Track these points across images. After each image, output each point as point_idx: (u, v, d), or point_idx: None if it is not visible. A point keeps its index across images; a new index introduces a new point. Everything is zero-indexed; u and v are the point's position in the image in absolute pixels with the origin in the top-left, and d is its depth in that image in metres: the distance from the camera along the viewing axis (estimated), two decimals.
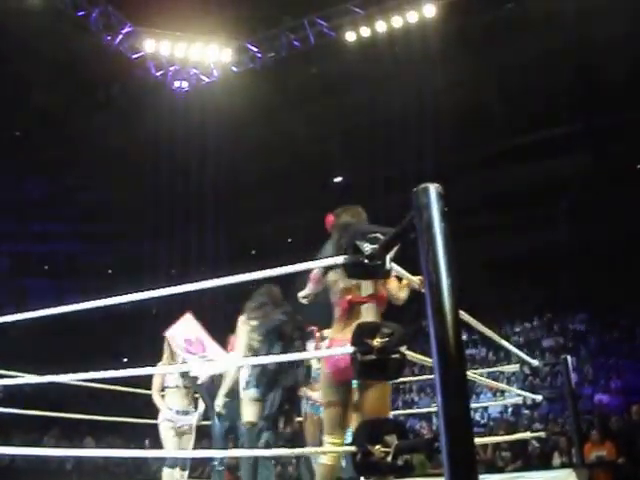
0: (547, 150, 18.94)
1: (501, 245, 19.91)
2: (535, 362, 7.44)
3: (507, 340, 6.53)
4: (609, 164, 18.83)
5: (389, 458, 2.68)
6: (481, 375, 7.24)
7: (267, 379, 5.27)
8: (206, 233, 20.94)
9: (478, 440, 8.19)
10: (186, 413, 7.10)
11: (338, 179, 21.61)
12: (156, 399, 7.10)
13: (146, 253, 20.10)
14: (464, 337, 4.71)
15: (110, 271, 21.32)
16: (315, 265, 3.50)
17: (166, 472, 7.00)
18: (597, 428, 11.58)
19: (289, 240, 22.11)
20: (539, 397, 7.36)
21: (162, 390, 7.16)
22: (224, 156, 19.93)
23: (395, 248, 2.98)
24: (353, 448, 2.81)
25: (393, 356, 2.86)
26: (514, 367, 7.36)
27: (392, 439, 2.70)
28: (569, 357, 7.78)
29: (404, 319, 2.96)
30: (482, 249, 18.95)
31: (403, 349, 2.88)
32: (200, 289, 3.43)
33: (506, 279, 19.44)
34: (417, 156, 18.66)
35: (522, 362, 7.31)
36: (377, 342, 2.80)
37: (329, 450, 3.73)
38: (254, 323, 5.41)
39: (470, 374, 5.76)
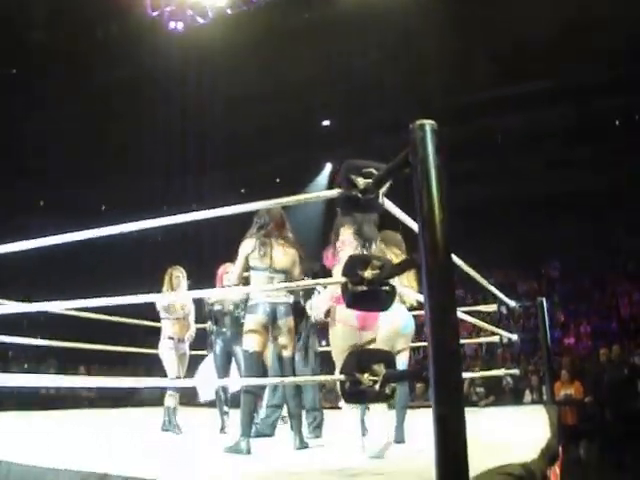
0: (529, 102, 18.93)
1: (478, 192, 20.03)
2: (512, 303, 7.59)
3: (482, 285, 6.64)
4: (587, 118, 18.89)
5: (377, 386, 2.76)
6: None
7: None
8: (198, 172, 20.80)
9: None
10: (183, 341, 7.30)
11: (326, 122, 21.42)
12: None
13: (140, 191, 19.93)
14: None
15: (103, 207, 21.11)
16: (308, 197, 3.52)
17: (169, 394, 7.18)
18: (566, 369, 11.91)
19: (277, 180, 22.03)
20: (514, 336, 7.52)
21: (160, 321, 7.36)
22: (216, 97, 19.73)
23: (388, 183, 3.02)
24: (342, 377, 2.90)
25: (383, 288, 2.91)
26: (492, 307, 7.51)
27: (380, 368, 2.78)
28: (544, 299, 7.97)
29: None
30: (459, 196, 19.07)
31: (393, 281, 2.94)
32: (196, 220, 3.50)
33: (482, 226, 19.62)
34: (406, 101, 18.52)
35: (500, 302, 7.44)
36: (368, 274, 2.85)
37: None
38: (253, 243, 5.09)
39: None
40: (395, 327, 5.02)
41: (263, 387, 5.80)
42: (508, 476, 3.03)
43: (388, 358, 2.86)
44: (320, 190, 17.86)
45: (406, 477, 3.00)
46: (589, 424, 11.47)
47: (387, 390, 2.78)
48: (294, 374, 5.24)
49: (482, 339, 8.04)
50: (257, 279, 4.98)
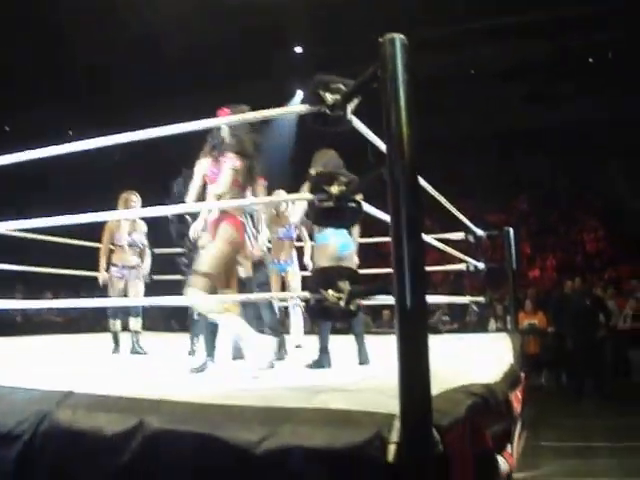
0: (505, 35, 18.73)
1: (454, 124, 19.97)
2: (480, 232, 7.63)
3: (452, 214, 6.65)
4: (564, 54, 18.76)
5: (342, 303, 2.76)
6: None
7: None
8: (166, 96, 20.32)
9: None
10: (132, 267, 7.24)
11: (299, 49, 21.00)
12: (102, 256, 7.22)
13: (109, 114, 19.48)
14: None
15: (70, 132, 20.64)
16: (272, 114, 3.46)
17: (110, 322, 7.19)
18: (531, 299, 12.10)
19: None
20: (481, 265, 7.58)
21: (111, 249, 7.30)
22: (186, 21, 19.18)
23: (356, 100, 2.97)
24: (307, 294, 2.89)
25: (350, 204, 2.89)
26: (459, 235, 7.53)
27: (345, 285, 2.78)
28: (511, 229, 8.01)
29: (363, 169, 2.97)
30: (430, 126, 18.96)
31: (360, 198, 2.91)
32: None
33: (452, 157, 19.64)
34: (381, 29, 18.13)
35: (467, 231, 7.46)
36: (335, 190, 2.82)
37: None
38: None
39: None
40: (331, 250, 4.98)
41: None
42: (470, 395, 3.06)
43: (353, 275, 2.85)
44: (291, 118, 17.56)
45: (368, 393, 3.02)
46: (551, 354, 11.72)
47: (352, 307, 2.78)
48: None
49: (449, 266, 8.04)
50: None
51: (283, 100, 18.87)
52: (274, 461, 2.43)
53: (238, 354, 5.15)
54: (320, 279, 2.84)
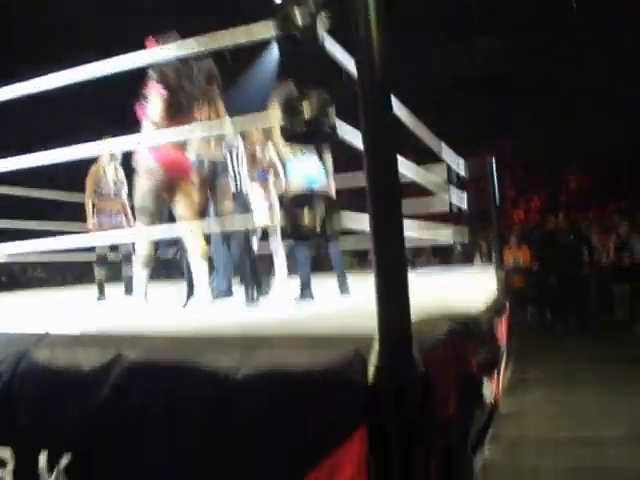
0: None
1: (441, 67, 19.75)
2: (462, 172, 7.55)
3: (432, 154, 6.57)
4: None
5: (317, 225, 2.71)
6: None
7: None
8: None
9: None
10: (115, 215, 7.16)
11: None
12: (88, 204, 7.11)
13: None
14: None
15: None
16: (237, 36, 3.35)
17: (96, 271, 7.13)
18: (515, 235, 12.12)
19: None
20: (464, 199, 7.52)
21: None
22: None
23: (328, 22, 2.88)
24: (282, 219, 2.84)
25: (323, 128, 2.82)
26: (441, 167, 7.43)
27: (320, 207, 2.73)
28: (493, 159, 7.92)
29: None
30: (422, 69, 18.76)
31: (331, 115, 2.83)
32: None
33: (441, 100, 19.46)
34: None
35: (449, 169, 7.37)
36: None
37: None
38: None
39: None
40: (300, 184, 4.92)
41: None
42: (452, 319, 3.04)
43: (328, 198, 2.80)
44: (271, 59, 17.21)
45: (347, 319, 2.99)
46: (535, 289, 11.77)
47: (328, 229, 2.74)
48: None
49: (429, 199, 7.92)
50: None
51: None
52: (253, 386, 2.40)
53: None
54: (295, 203, 2.80)
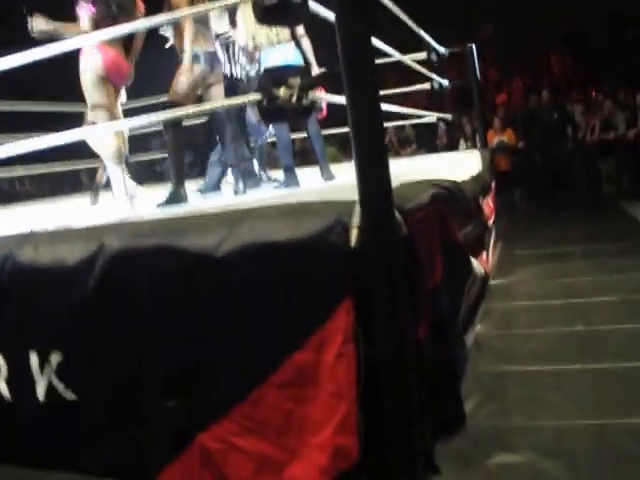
0: None
1: None
2: (442, 49, 7.41)
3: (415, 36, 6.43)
4: None
5: (294, 99, 2.64)
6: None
7: None
8: None
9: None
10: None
11: None
12: None
13: None
14: None
15: None
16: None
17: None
18: (499, 117, 11.98)
19: None
20: (446, 82, 7.42)
21: None
22: None
23: None
24: (258, 95, 2.76)
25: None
26: (421, 55, 7.30)
27: (295, 80, 2.64)
28: (474, 46, 7.79)
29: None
30: None
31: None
32: None
33: None
34: None
35: (430, 49, 7.24)
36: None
37: None
38: None
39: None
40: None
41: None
42: (435, 185, 3.01)
43: (302, 69, 2.71)
44: None
45: (329, 191, 2.95)
46: (522, 170, 11.69)
47: (305, 102, 2.66)
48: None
49: (413, 87, 7.79)
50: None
51: None
52: (236, 260, 2.38)
53: None
54: (270, 78, 2.71)
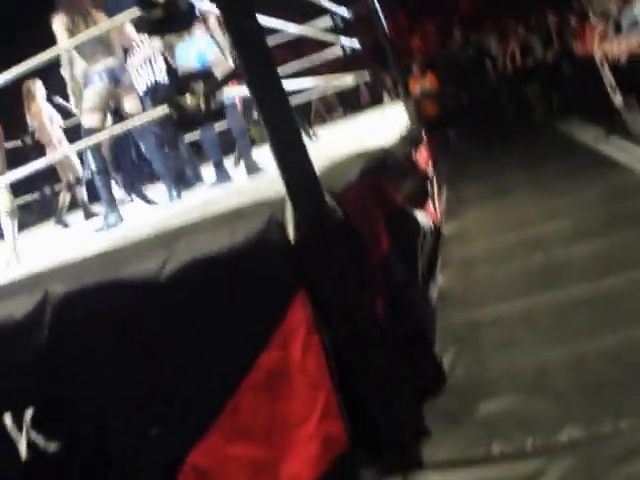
0: None
1: None
2: (344, 11, 7.36)
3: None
4: None
5: (202, 105, 2.60)
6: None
7: None
8: None
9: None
10: None
11: None
12: None
13: None
14: None
15: None
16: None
17: None
18: (417, 62, 11.98)
19: None
20: (356, 44, 7.38)
21: None
22: None
23: None
24: (165, 109, 2.72)
25: (178, 7, 2.66)
26: (325, 21, 7.24)
27: (199, 85, 2.60)
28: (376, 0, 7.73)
29: None
30: None
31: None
32: None
33: None
34: None
35: (332, 14, 7.19)
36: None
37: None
38: None
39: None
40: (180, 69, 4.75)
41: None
42: (362, 157, 2.99)
43: (204, 73, 2.68)
44: None
45: (257, 191, 2.92)
46: (450, 112, 11.71)
47: (214, 106, 2.62)
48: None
49: (323, 55, 7.70)
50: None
51: None
52: (181, 280, 2.35)
53: None
54: (173, 89, 2.66)
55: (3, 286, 3.09)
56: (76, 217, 7.26)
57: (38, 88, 7.05)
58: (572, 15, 10.79)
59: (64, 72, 4.94)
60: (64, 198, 7.20)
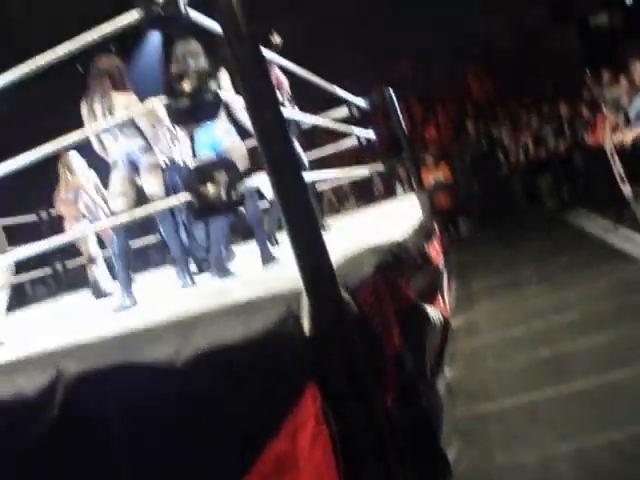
0: None
1: None
2: (361, 101, 7.53)
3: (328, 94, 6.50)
4: None
5: (223, 195, 2.67)
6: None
7: None
8: None
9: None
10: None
11: None
12: None
13: None
14: None
15: None
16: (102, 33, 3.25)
17: None
18: (430, 153, 12.16)
19: None
20: (371, 134, 7.52)
21: None
22: None
23: None
24: (187, 196, 2.79)
25: (206, 98, 2.77)
26: (342, 111, 7.41)
27: (221, 175, 2.68)
28: (392, 91, 7.91)
29: None
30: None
31: (215, 85, 2.77)
32: None
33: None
34: None
35: (349, 104, 7.36)
36: (187, 86, 2.69)
37: None
38: None
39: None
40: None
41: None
42: (377, 252, 3.05)
43: (227, 163, 2.75)
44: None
45: (273, 282, 2.97)
46: (462, 203, 11.83)
47: (235, 197, 2.70)
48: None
49: (339, 143, 7.87)
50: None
51: None
52: (195, 368, 2.38)
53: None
54: (194, 177, 2.74)
55: (15, 361, 3.11)
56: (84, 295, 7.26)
57: (75, 160, 7.01)
58: (584, 104, 11.02)
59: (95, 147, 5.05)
60: (92, 271, 7.07)
